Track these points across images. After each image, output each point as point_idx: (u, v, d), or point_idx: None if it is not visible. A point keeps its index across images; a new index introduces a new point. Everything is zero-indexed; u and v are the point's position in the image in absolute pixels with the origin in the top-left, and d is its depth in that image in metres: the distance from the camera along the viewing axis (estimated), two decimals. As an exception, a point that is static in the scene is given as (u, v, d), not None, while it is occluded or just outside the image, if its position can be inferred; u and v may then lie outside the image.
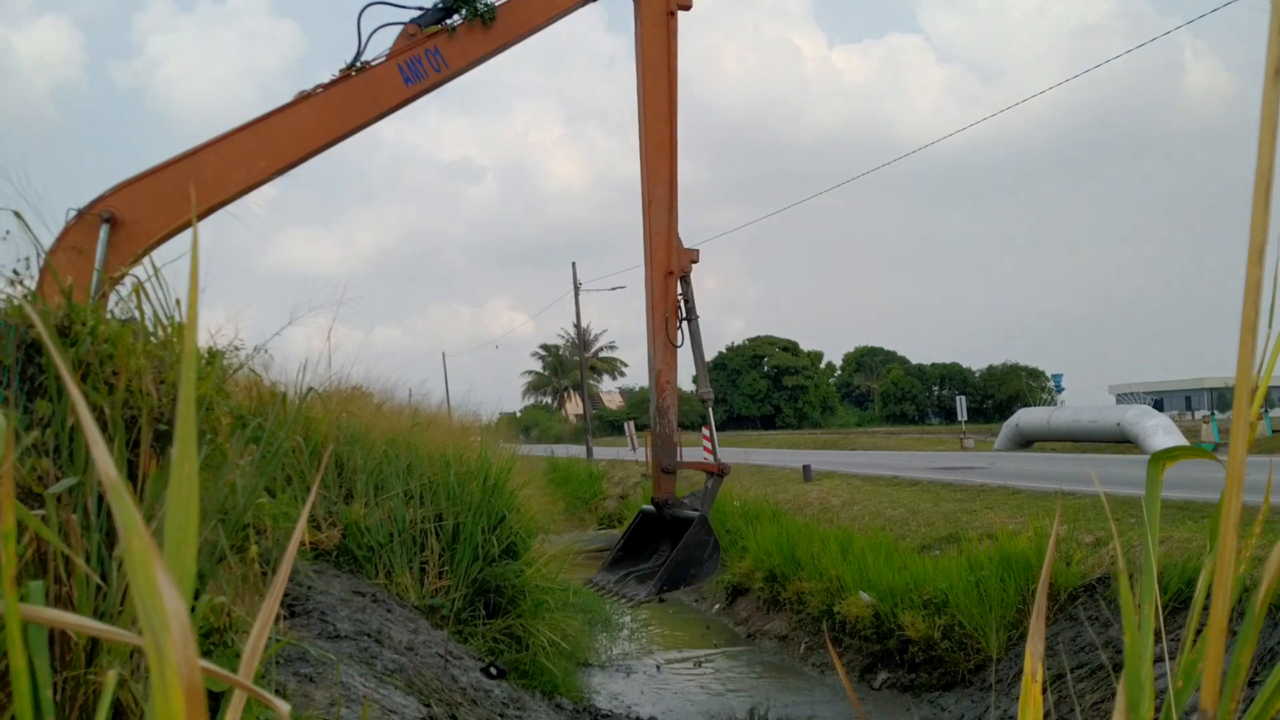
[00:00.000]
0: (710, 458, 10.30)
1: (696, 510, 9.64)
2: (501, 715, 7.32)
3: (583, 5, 9.49)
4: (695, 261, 9.91)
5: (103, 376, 3.05)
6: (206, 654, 3.53)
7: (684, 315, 9.82)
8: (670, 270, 9.69)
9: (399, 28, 8.91)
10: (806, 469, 23.26)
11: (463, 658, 8.39)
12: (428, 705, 5.81)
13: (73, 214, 7.29)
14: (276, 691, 4.42)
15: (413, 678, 6.19)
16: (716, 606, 17.61)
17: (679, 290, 9.78)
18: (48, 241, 3.15)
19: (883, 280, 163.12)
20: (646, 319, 9.95)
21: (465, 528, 9.99)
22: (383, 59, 8.79)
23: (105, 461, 0.64)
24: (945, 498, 17.09)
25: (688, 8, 9.69)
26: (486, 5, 8.93)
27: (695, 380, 10.60)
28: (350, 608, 7.45)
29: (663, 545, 9.84)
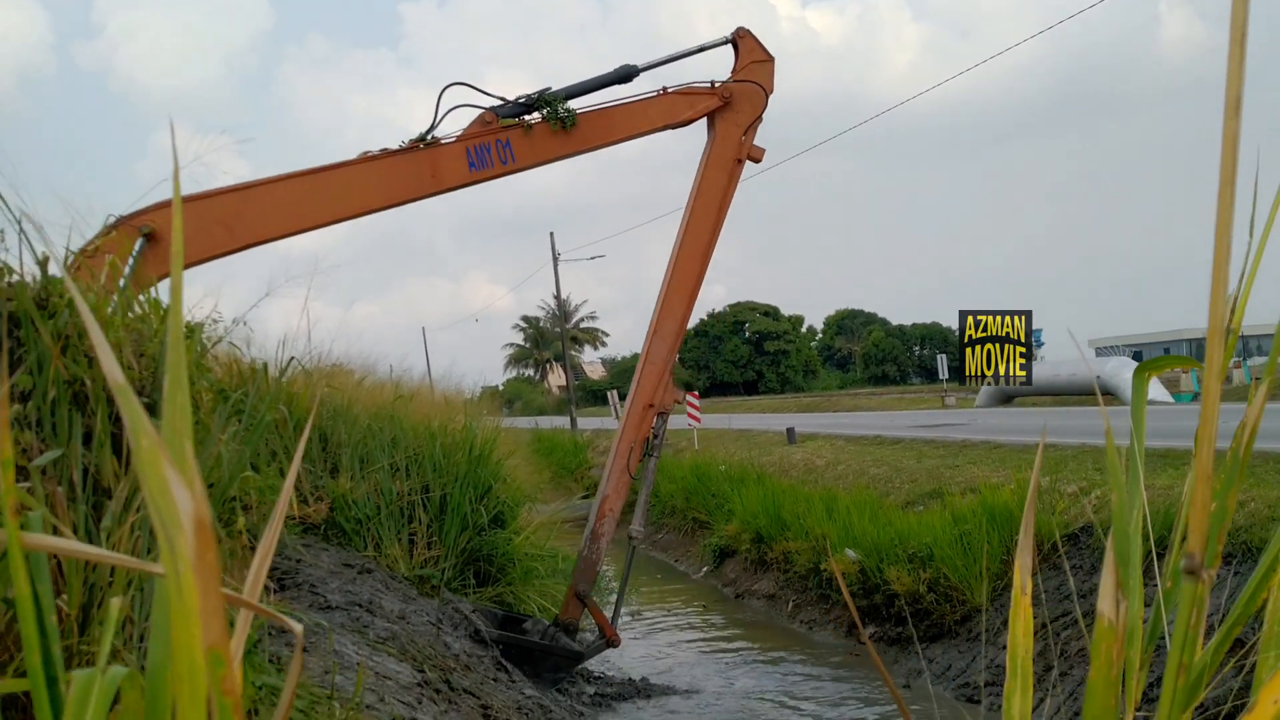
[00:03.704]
0: (613, 621, 9.87)
1: (581, 649, 9.57)
2: (495, 679, 7.39)
3: (663, 129, 9.43)
4: (679, 403, 9.93)
5: (82, 349, 3.04)
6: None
7: (648, 450, 9.77)
8: (652, 403, 9.67)
9: (475, 112, 8.81)
10: (790, 432, 23.40)
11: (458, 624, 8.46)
12: (421, 671, 5.87)
13: (112, 219, 7.23)
14: (270, 662, 4.46)
15: (405, 645, 6.24)
16: (705, 569, 17.77)
17: (654, 424, 9.75)
18: (25, 211, 3.12)
19: (862, 242, 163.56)
20: (615, 440, 9.95)
21: (453, 498, 10.04)
22: (453, 139, 8.70)
23: (111, 364, 0.65)
24: (928, 454, 17.26)
25: (757, 160, 9.63)
26: (568, 111, 8.84)
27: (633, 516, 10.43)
28: (340, 579, 7.48)
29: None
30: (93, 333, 0.68)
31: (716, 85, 9.40)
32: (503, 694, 7.11)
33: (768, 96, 9.53)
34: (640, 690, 10.68)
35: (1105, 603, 0.77)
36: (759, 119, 9.53)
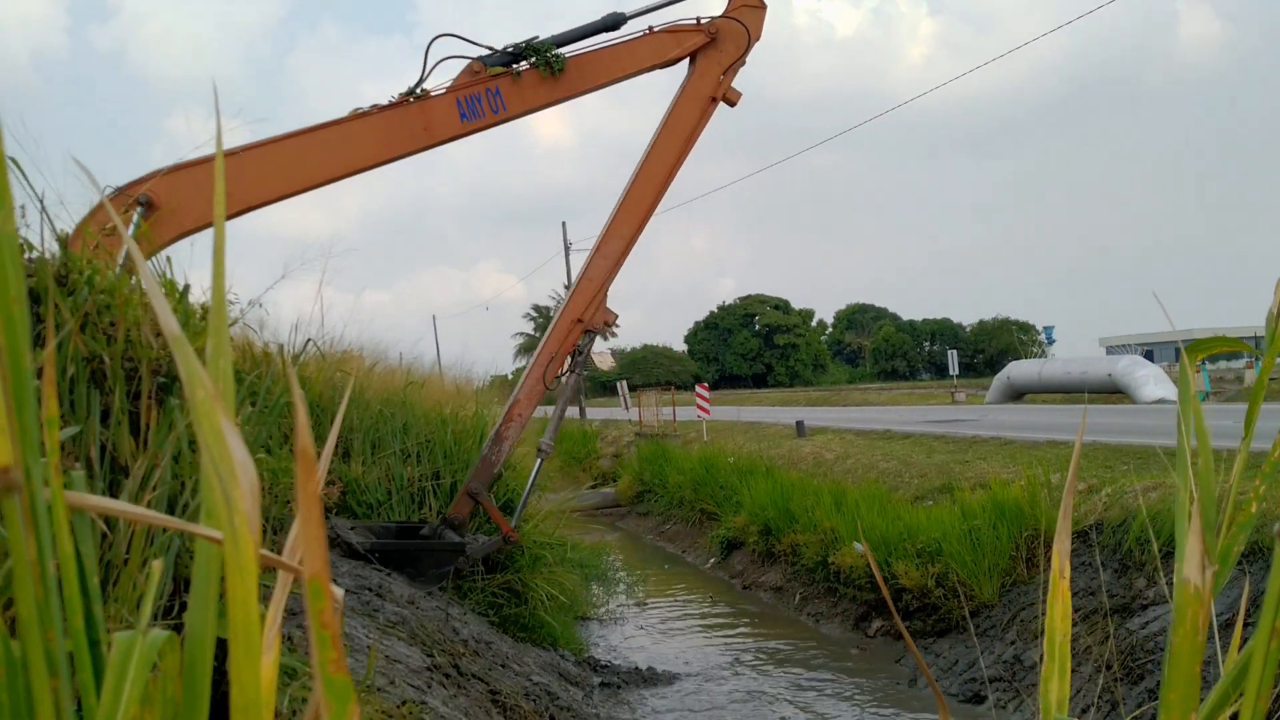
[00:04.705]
0: (513, 518, 9.58)
1: (463, 541, 9.24)
2: (504, 665, 7.42)
3: (651, 70, 9.44)
4: (609, 325, 9.83)
5: (101, 327, 3.04)
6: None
7: (569, 368, 9.69)
8: (581, 319, 9.61)
9: (464, 62, 8.77)
10: (799, 425, 23.37)
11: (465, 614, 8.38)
12: (431, 655, 5.89)
13: (110, 191, 7.22)
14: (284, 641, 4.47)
15: (415, 630, 6.26)
16: (712, 560, 17.79)
17: (579, 342, 9.67)
18: (44, 189, 3.12)
19: (874, 237, 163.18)
20: (538, 348, 9.86)
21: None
22: (443, 91, 8.69)
23: (166, 315, 0.64)
24: (938, 450, 17.22)
25: (733, 103, 9.61)
26: (556, 56, 8.84)
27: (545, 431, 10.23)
28: (350, 564, 7.52)
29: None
30: (151, 288, 0.68)
31: (702, 21, 9.45)
32: (511, 680, 7.13)
33: (752, 40, 9.55)
34: (646, 678, 10.71)
35: (1191, 569, 0.76)
36: (741, 61, 9.55)
